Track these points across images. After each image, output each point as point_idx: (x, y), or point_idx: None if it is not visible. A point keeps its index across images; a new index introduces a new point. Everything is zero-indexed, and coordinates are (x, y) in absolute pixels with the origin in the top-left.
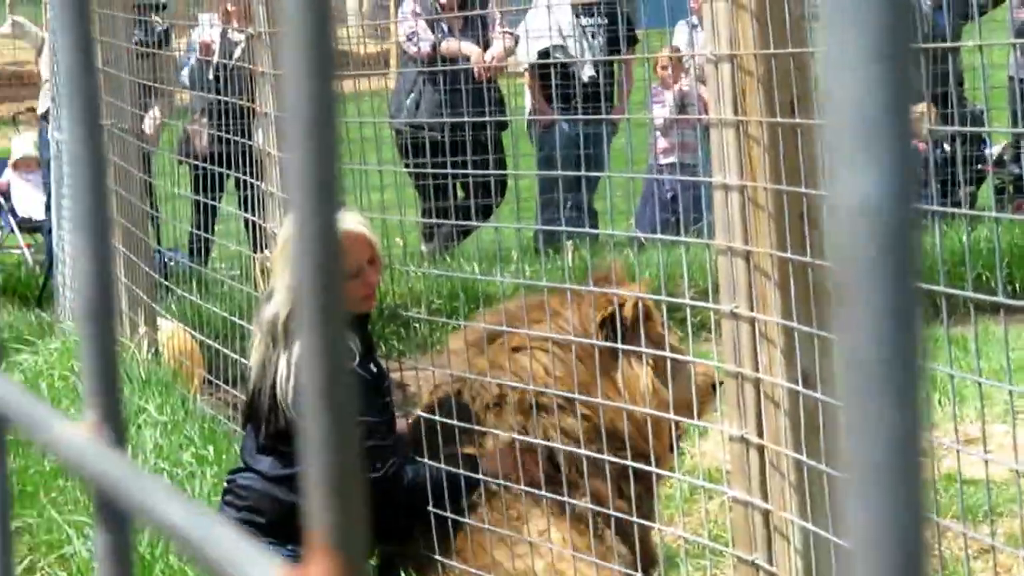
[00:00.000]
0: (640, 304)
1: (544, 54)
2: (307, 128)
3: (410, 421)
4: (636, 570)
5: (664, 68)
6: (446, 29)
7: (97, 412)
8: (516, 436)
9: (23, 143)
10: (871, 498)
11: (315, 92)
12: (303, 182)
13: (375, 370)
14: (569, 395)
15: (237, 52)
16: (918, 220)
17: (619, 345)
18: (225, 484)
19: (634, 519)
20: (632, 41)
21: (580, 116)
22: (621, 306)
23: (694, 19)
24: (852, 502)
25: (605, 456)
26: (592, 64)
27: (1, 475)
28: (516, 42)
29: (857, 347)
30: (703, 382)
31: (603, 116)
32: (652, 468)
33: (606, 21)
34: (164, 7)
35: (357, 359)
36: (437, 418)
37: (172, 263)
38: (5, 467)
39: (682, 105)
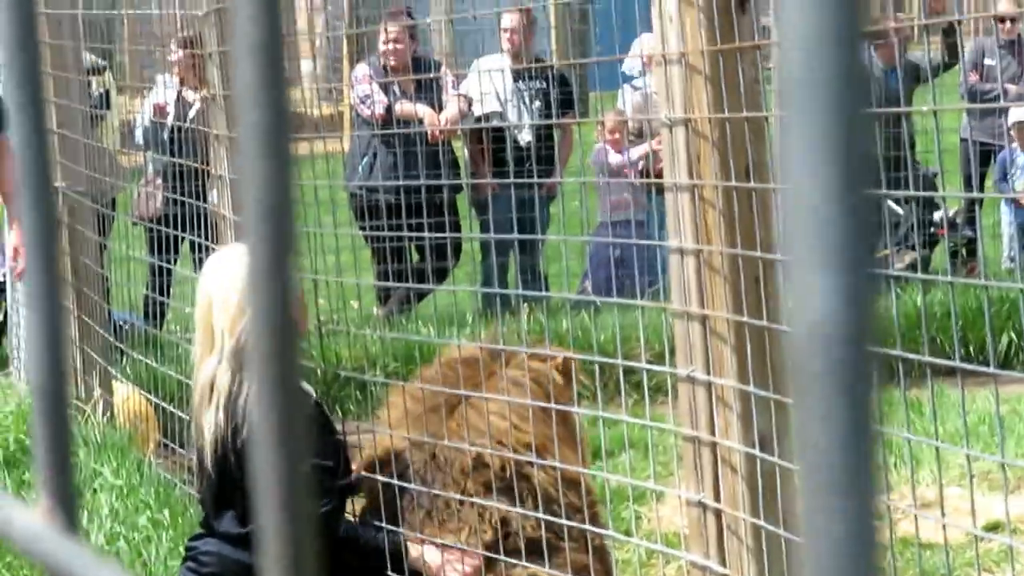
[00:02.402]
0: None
1: (484, 119)
2: (263, 184)
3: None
4: None
5: (612, 132)
6: (399, 92)
7: (50, 495)
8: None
9: None
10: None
11: (271, 151)
12: (259, 232)
13: (320, 409)
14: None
15: (191, 113)
16: (873, 336)
17: (575, 409)
18: (186, 552)
19: None
20: (569, 104)
21: (526, 180)
22: (563, 362)
23: (639, 83)
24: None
25: (572, 523)
26: (530, 128)
27: None
28: (470, 104)
29: (816, 451)
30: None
31: (553, 180)
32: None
33: (544, 85)
34: (104, 70)
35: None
36: (394, 481)
37: (127, 326)
38: None
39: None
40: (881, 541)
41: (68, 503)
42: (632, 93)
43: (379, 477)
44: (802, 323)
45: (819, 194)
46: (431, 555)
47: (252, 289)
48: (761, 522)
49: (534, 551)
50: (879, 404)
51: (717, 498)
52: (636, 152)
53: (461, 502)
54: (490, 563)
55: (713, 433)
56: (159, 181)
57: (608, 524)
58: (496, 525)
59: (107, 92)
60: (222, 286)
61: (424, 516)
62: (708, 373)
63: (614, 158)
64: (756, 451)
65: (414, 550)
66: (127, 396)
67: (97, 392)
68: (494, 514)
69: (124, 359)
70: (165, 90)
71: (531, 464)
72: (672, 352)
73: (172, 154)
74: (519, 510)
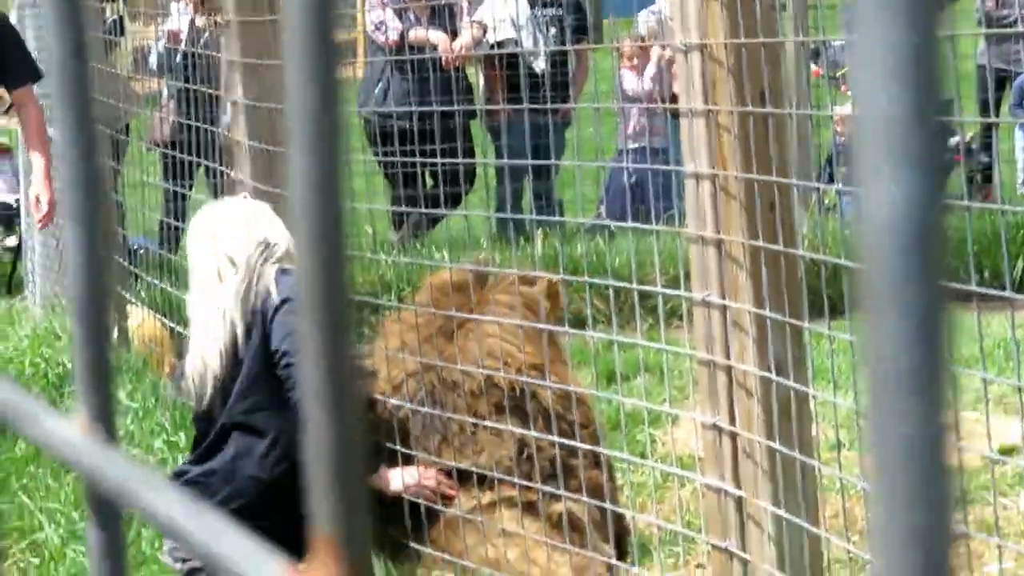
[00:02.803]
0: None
1: (498, 46)
2: (310, 120)
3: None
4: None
5: (631, 59)
6: (413, 18)
7: (89, 409)
8: (489, 424)
9: None
10: (897, 501)
11: (318, 82)
12: (307, 175)
13: None
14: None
15: (203, 39)
16: (944, 226)
17: (566, 330)
18: (176, 478)
19: (606, 505)
20: (583, 31)
21: (541, 106)
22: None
23: (657, 7)
24: (877, 505)
25: (591, 446)
26: (546, 55)
27: None
28: (484, 31)
29: (886, 354)
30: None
31: (567, 106)
32: (606, 451)
33: (559, 11)
34: None
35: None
36: (408, 405)
37: (141, 251)
38: None
39: (650, 91)
40: (951, 444)
41: (107, 416)
42: (648, 17)
43: (395, 401)
44: (872, 227)
45: (889, 98)
46: (407, 475)
47: (302, 214)
48: (776, 445)
49: (551, 472)
50: (949, 307)
51: (732, 421)
52: (647, 74)
53: (475, 425)
54: (514, 488)
55: (728, 357)
56: (172, 105)
57: (604, 439)
58: (513, 446)
59: (120, 19)
60: (224, 225)
61: (440, 441)
62: (723, 297)
63: (628, 83)
64: (772, 375)
65: (382, 477)
66: (142, 320)
67: (112, 317)
68: (510, 435)
69: (139, 284)
70: (179, 16)
71: (540, 384)
72: (687, 277)
73: (185, 80)
74: (535, 434)
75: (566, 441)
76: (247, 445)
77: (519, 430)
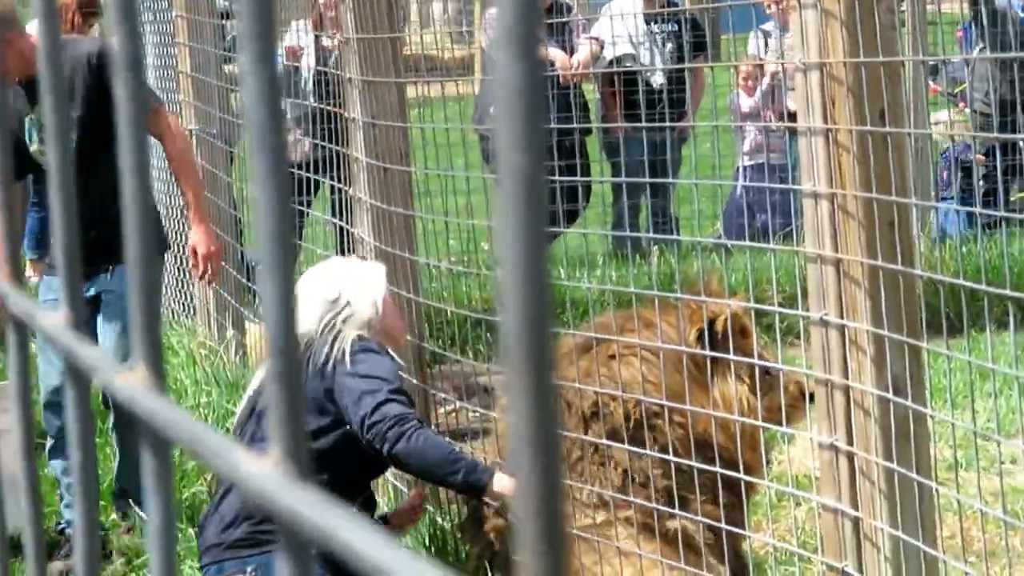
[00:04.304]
0: (733, 318)
1: (614, 63)
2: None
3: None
4: None
5: (746, 79)
6: None
7: (282, 447)
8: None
9: None
10: None
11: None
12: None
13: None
14: (662, 403)
15: (332, 59)
16: None
17: (710, 352)
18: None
19: (723, 525)
20: (700, 47)
21: (655, 124)
22: (713, 321)
23: (767, 27)
24: None
25: (695, 463)
26: (662, 72)
27: (166, 497)
28: (602, 47)
29: None
30: (795, 390)
31: (684, 123)
32: (742, 475)
33: (676, 28)
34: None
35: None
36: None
37: (259, 266)
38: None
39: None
40: None
41: (300, 453)
42: (759, 38)
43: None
44: None
45: None
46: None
47: (509, 258)
48: (893, 465)
49: (666, 501)
50: None
51: (850, 441)
52: (760, 91)
53: (583, 447)
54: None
55: (846, 376)
56: (298, 129)
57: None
58: (618, 476)
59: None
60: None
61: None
62: (841, 316)
63: (745, 102)
64: (889, 394)
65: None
66: (259, 335)
67: (230, 332)
68: (618, 463)
69: (256, 299)
70: (298, 33)
71: (659, 416)
72: (803, 295)
73: (311, 98)
74: (645, 452)
75: (688, 461)
76: None
77: (642, 449)
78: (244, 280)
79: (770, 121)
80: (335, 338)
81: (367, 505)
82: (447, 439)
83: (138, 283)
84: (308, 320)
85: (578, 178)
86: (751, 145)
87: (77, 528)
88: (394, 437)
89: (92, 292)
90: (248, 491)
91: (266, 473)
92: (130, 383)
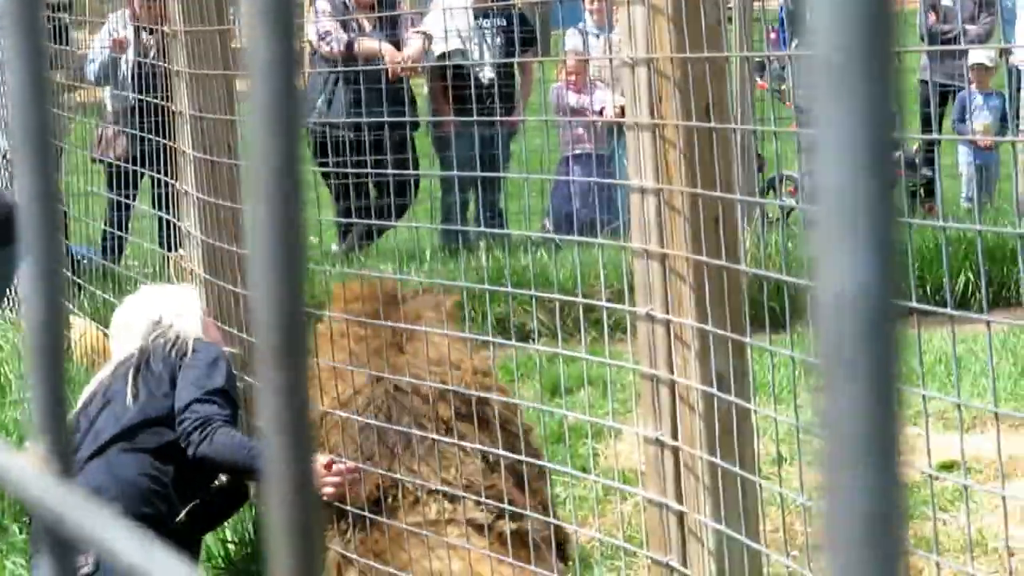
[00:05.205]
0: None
1: (443, 57)
2: (272, 168)
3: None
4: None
5: (568, 74)
6: (357, 28)
7: (46, 441)
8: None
9: None
10: (849, 558)
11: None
12: (266, 190)
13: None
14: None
15: (152, 52)
16: (899, 310)
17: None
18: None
19: (551, 520)
20: (529, 42)
21: (486, 118)
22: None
23: (585, 25)
24: (831, 559)
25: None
26: (491, 66)
27: None
28: (430, 41)
29: (841, 425)
30: None
31: (515, 118)
32: (547, 463)
33: (505, 23)
34: (70, 6)
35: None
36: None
37: (84, 260)
38: None
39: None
40: (905, 512)
41: (64, 449)
42: (574, 36)
43: (342, 414)
44: (828, 296)
45: (846, 171)
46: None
47: (258, 252)
48: (718, 460)
49: (514, 483)
50: (902, 374)
51: (675, 436)
52: (600, 97)
53: (439, 436)
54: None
55: (671, 371)
56: (118, 123)
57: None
58: (479, 459)
59: (66, 27)
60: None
61: (403, 451)
62: (667, 312)
63: (574, 100)
64: (714, 389)
65: None
66: (84, 331)
67: (67, 342)
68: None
69: (81, 293)
70: (122, 27)
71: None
72: (631, 290)
73: (134, 91)
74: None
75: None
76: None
77: (481, 446)
78: (69, 274)
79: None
80: (176, 337)
81: (234, 490)
82: (245, 435)
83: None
84: (132, 341)
85: (409, 172)
86: (572, 135)
87: None
88: (197, 440)
89: None
90: (9, 487)
91: (28, 469)
92: None
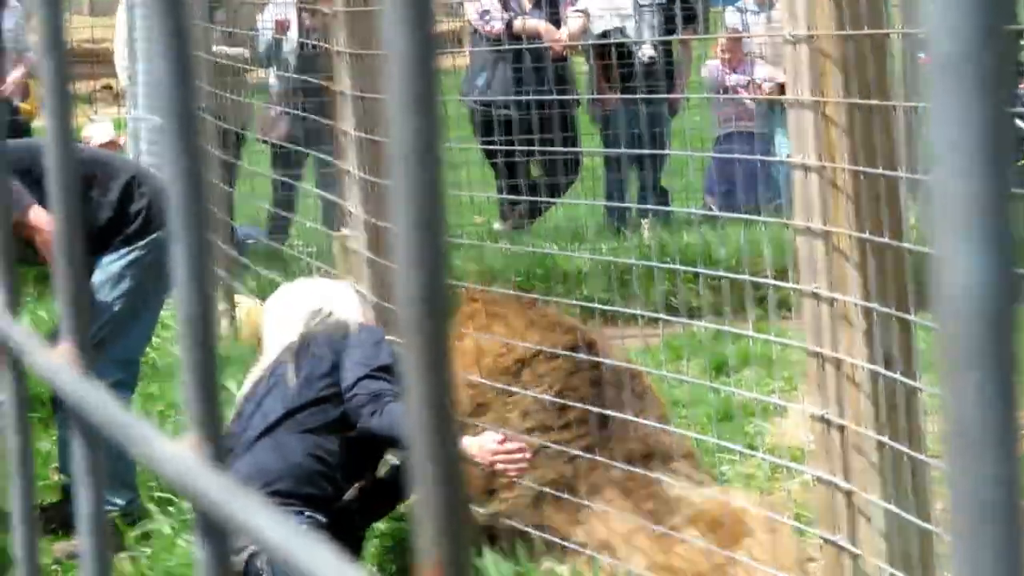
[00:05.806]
0: None
1: (603, 35)
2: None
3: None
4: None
5: (724, 52)
6: (517, 8)
7: (199, 431)
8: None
9: (102, 129)
10: (976, 544)
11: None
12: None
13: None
14: None
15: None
16: (1017, 305)
17: None
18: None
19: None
20: (690, 19)
21: (642, 96)
22: None
23: (745, 3)
24: (959, 546)
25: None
26: (651, 44)
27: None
28: (589, 19)
29: (964, 414)
30: None
31: (676, 95)
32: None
33: (665, 1)
34: None
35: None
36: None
37: (250, 240)
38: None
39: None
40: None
41: (216, 437)
42: (733, 14)
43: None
44: (949, 295)
45: (964, 172)
46: (472, 443)
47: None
48: (885, 439)
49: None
50: (1018, 372)
51: (841, 414)
52: (760, 72)
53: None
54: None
55: (837, 349)
56: (281, 105)
57: None
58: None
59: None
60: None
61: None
62: (831, 290)
63: (732, 79)
64: (880, 368)
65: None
66: (250, 310)
67: (221, 306)
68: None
69: (248, 273)
70: (286, 6)
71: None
72: (796, 267)
73: (298, 71)
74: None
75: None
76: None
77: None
78: (235, 254)
79: (750, 94)
80: (336, 323)
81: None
82: None
83: (66, 258)
84: (290, 331)
85: (576, 149)
86: (723, 114)
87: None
88: (368, 413)
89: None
90: (164, 474)
91: (183, 456)
92: (53, 361)
